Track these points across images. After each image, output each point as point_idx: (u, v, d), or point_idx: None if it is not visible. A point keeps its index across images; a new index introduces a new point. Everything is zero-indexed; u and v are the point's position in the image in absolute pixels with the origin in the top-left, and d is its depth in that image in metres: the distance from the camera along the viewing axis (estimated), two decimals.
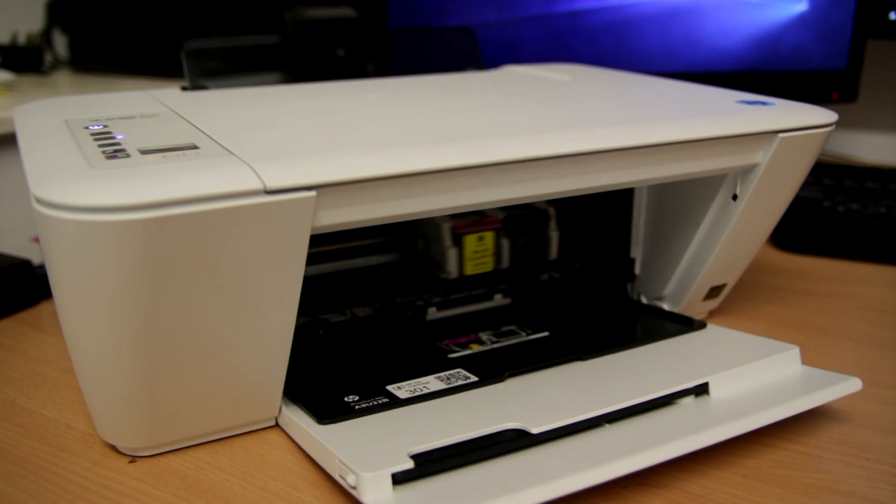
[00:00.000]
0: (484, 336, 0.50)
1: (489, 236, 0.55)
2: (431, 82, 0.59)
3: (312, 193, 0.35)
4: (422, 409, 0.41)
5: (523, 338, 0.50)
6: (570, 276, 0.58)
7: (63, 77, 1.04)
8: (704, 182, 0.51)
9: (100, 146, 0.39)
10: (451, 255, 0.54)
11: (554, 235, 0.58)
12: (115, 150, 0.38)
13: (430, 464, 0.36)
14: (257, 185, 0.34)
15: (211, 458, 0.41)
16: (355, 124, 0.43)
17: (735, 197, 0.50)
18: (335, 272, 0.55)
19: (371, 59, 0.67)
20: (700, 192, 0.52)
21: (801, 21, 0.80)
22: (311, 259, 0.52)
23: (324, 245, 0.54)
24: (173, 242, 0.33)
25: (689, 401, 0.42)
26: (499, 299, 0.55)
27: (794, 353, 0.46)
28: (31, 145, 0.40)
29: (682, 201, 0.53)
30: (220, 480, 0.39)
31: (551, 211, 0.58)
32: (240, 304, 0.37)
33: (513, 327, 0.52)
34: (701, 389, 0.43)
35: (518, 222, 0.56)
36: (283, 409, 0.42)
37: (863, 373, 0.44)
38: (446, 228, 0.54)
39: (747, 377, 0.44)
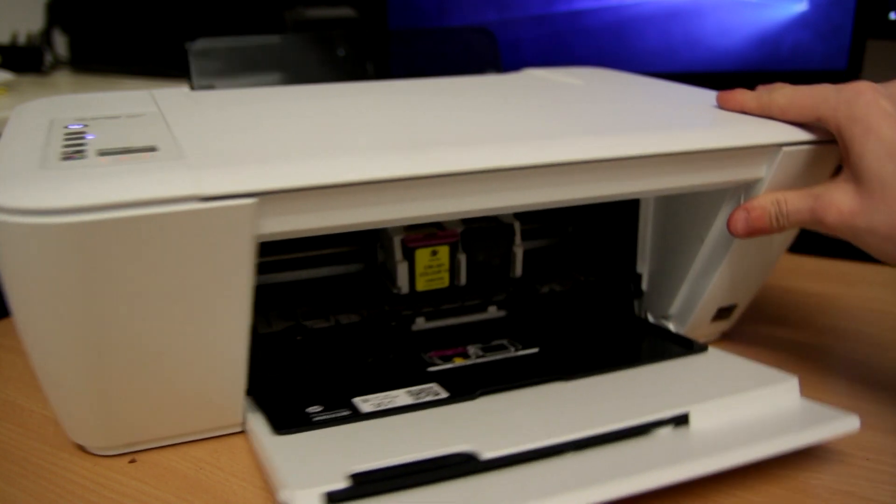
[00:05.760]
0: (472, 349, 0.49)
1: (443, 251, 0.51)
2: (437, 85, 0.57)
3: (253, 201, 0.34)
4: (381, 424, 0.40)
5: (511, 353, 0.48)
6: (572, 289, 0.55)
7: (63, 77, 1.04)
8: (708, 196, 0.48)
9: (64, 146, 0.39)
10: (402, 269, 0.50)
11: (519, 252, 0.53)
12: (76, 151, 0.38)
13: (368, 485, 0.34)
14: (192, 191, 0.33)
15: (211, 458, 0.41)
16: (330, 129, 0.43)
17: None
18: (293, 282, 0.53)
19: (371, 59, 0.67)
20: (704, 206, 0.49)
21: (801, 21, 0.80)
22: (266, 267, 0.51)
23: (279, 254, 0.52)
24: (107, 247, 0.33)
25: (666, 431, 0.39)
26: (493, 311, 0.53)
27: (791, 384, 0.43)
28: (6, 145, 0.40)
29: (686, 215, 0.51)
30: (220, 480, 0.39)
31: (517, 225, 0.53)
32: (185, 310, 0.36)
33: (504, 341, 0.50)
34: (681, 420, 0.40)
35: (477, 237, 0.52)
36: (249, 416, 0.41)
37: (863, 373, 0.44)
38: (397, 241, 0.50)
39: (736, 408, 0.41)
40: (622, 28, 0.83)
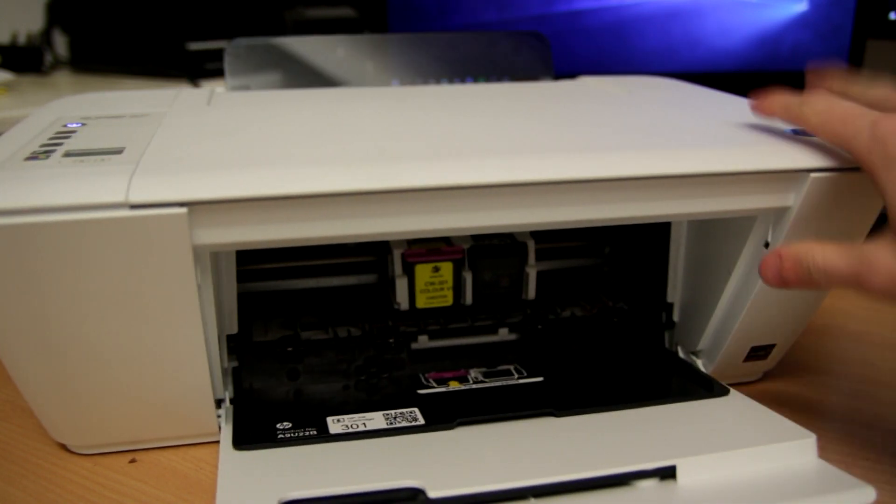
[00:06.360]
0: (472, 373, 0.46)
1: (446, 268, 0.48)
2: (466, 92, 0.55)
3: (183, 210, 0.33)
4: (343, 447, 0.38)
5: (512, 381, 0.46)
6: (598, 315, 0.51)
7: (63, 77, 1.04)
8: (735, 224, 0.44)
9: (41, 146, 0.39)
10: (401, 284, 0.48)
11: (532, 272, 0.50)
12: (45, 152, 0.38)
13: None
14: (120, 199, 0.33)
15: (211, 457, 0.41)
16: (315, 137, 0.41)
17: (767, 244, 0.43)
18: (304, 290, 0.52)
19: (414, 63, 0.65)
20: (731, 235, 0.45)
21: (801, 21, 0.80)
22: (276, 274, 0.51)
23: (292, 261, 0.51)
24: (41, 250, 0.33)
25: (649, 484, 0.36)
26: (504, 334, 0.50)
27: (808, 443, 0.38)
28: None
29: (715, 244, 0.46)
30: None
31: (531, 244, 0.49)
32: (129, 316, 0.36)
33: (510, 367, 0.47)
34: (667, 473, 0.36)
35: (484, 255, 0.49)
36: (223, 426, 0.41)
37: (863, 372, 0.44)
38: (397, 255, 0.48)
39: (735, 464, 0.37)
40: (622, 28, 0.83)
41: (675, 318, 0.51)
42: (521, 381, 0.46)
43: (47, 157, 0.37)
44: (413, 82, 0.63)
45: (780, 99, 0.41)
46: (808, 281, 0.37)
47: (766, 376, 0.50)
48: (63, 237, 0.33)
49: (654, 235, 0.50)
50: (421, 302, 0.49)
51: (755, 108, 0.42)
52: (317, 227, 0.36)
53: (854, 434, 0.43)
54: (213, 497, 0.37)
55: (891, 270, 0.34)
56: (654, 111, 0.50)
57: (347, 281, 0.52)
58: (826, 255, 0.37)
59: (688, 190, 0.40)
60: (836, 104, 0.38)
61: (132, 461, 0.40)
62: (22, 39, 1.10)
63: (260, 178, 0.35)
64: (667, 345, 0.51)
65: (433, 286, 0.49)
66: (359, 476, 0.35)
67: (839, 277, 0.36)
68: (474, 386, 0.45)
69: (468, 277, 0.49)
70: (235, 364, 0.45)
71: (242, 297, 0.45)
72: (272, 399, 0.44)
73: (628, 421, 0.41)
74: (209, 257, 0.37)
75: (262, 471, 0.36)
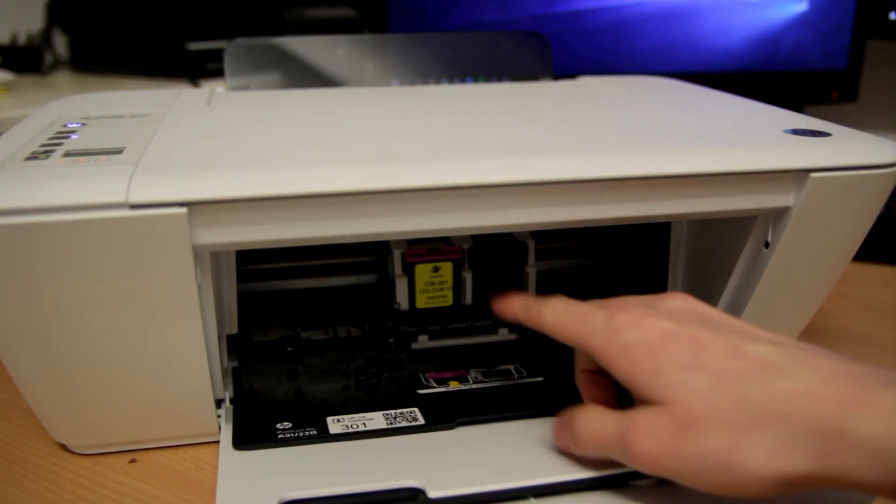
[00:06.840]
0: (472, 373, 0.46)
1: (446, 267, 0.48)
2: (462, 92, 0.55)
3: (183, 210, 0.33)
4: (343, 447, 0.39)
5: (512, 381, 0.46)
6: None
7: (63, 77, 1.04)
8: (736, 224, 0.44)
9: (41, 146, 0.39)
10: (401, 284, 0.48)
11: (532, 272, 0.49)
12: (45, 152, 0.38)
13: None
14: (120, 199, 0.33)
15: (211, 457, 0.41)
16: (315, 137, 0.41)
17: (767, 244, 0.43)
18: (305, 290, 0.52)
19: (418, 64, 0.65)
20: (731, 235, 0.45)
21: (801, 21, 0.80)
22: (277, 274, 0.51)
23: (293, 261, 0.51)
24: (38, 250, 0.33)
25: (648, 484, 0.36)
26: (504, 334, 0.50)
27: None
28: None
29: (716, 243, 0.47)
30: None
31: (531, 244, 0.49)
32: (128, 316, 0.36)
33: (510, 367, 0.47)
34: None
35: (484, 254, 0.49)
36: (223, 426, 0.41)
37: None
38: (397, 255, 0.48)
39: None
40: (622, 28, 0.83)
41: None
42: (521, 381, 0.46)
43: (47, 157, 0.37)
44: (413, 82, 0.63)
45: (520, 301, 0.41)
46: (574, 443, 0.36)
47: None
48: (63, 237, 0.33)
49: (654, 235, 0.50)
50: (421, 302, 0.49)
51: (497, 310, 0.43)
52: (317, 227, 0.36)
53: None
54: (213, 497, 0.37)
55: (654, 431, 0.33)
56: (654, 111, 0.50)
57: (347, 281, 0.52)
58: (590, 418, 0.36)
59: (688, 190, 0.40)
60: (573, 304, 0.39)
61: (132, 461, 0.40)
62: (22, 39, 1.10)
63: (260, 178, 0.35)
64: None
65: (433, 286, 0.48)
66: (359, 476, 0.36)
67: (606, 439, 0.35)
68: (474, 386, 0.45)
69: (468, 277, 0.49)
70: (235, 364, 0.45)
71: (242, 297, 0.45)
72: (272, 399, 0.44)
73: None
74: (209, 257, 0.37)
75: (262, 471, 0.36)
